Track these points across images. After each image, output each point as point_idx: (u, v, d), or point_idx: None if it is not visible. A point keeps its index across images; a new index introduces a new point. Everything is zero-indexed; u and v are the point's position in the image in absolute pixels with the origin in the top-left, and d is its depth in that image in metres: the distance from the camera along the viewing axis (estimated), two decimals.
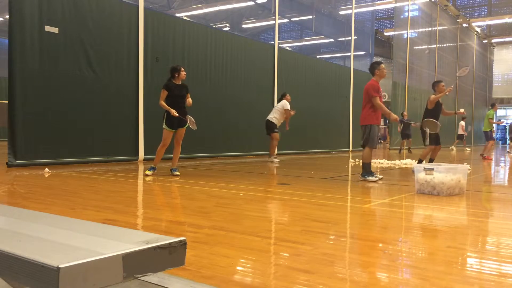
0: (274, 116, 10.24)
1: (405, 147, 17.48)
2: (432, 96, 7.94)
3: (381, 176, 6.71)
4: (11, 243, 1.33)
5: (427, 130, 7.86)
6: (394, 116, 6.61)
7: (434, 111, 7.98)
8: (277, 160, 10.35)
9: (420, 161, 7.78)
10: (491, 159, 12.98)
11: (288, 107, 10.23)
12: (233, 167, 8.78)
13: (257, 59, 12.71)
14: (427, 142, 7.86)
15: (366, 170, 6.52)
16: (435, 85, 8.05)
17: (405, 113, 18.03)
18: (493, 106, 13.84)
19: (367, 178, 6.44)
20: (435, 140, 7.88)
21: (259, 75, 12.73)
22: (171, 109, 6.40)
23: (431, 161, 8.00)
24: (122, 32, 9.10)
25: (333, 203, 4.45)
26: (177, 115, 6.40)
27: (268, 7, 17.89)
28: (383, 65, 6.63)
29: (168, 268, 1.38)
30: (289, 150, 13.70)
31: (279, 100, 10.57)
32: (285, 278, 2.08)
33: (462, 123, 21.47)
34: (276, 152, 10.69)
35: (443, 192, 4.95)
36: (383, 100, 6.60)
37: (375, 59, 20.16)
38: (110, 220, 3.32)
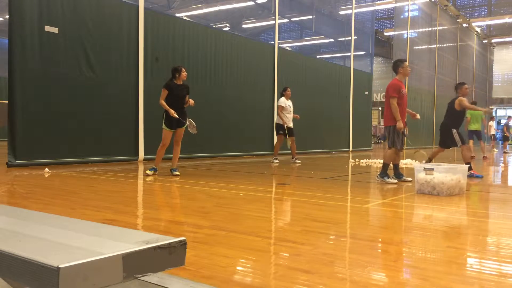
0: (277, 117, 9.99)
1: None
2: (464, 99, 7.50)
3: (410, 179, 6.29)
4: (11, 243, 1.33)
5: (454, 132, 7.45)
6: (401, 125, 6.16)
7: (461, 113, 7.62)
8: (277, 161, 10.11)
9: (429, 161, 7.74)
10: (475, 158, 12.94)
11: (282, 103, 9.80)
12: (233, 167, 8.78)
13: (257, 59, 12.70)
14: (459, 143, 7.47)
15: (385, 170, 6.26)
16: (459, 87, 7.73)
17: None
18: (475, 104, 13.62)
19: (386, 179, 6.17)
20: (461, 140, 7.56)
21: (259, 75, 12.73)
22: (170, 109, 6.41)
23: (468, 162, 7.62)
24: (122, 32, 9.10)
25: (333, 203, 4.45)
26: (177, 116, 6.41)
27: (268, 7, 17.88)
28: (406, 63, 6.39)
29: (168, 268, 1.38)
30: (289, 150, 13.68)
31: (280, 96, 10.17)
32: (285, 278, 2.08)
33: (491, 123, 21.12)
34: (295, 152, 10.28)
35: (443, 192, 4.95)
36: (406, 98, 6.31)
37: (375, 59, 20.17)
38: (110, 220, 3.32)
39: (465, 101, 7.55)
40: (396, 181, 6.22)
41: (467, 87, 7.70)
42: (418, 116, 6.95)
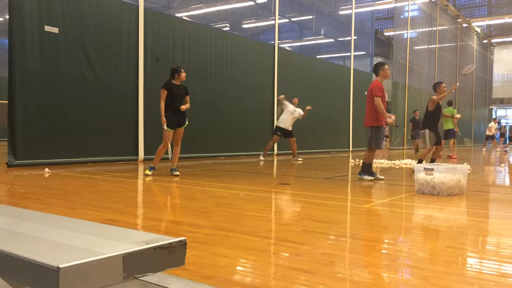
0: (282, 120, 10.73)
1: (415, 147, 17.37)
2: (434, 97, 7.93)
3: (382, 177, 6.72)
4: (11, 243, 1.33)
5: (427, 132, 7.99)
6: (390, 120, 6.38)
7: (435, 112, 8.01)
8: (262, 159, 10.76)
9: (420, 161, 7.78)
10: (456, 158, 13.02)
11: (291, 109, 10.68)
12: (233, 167, 8.78)
13: (257, 59, 12.70)
14: (428, 142, 7.97)
15: (365, 169, 6.60)
16: (436, 86, 8.05)
17: (417, 111, 17.68)
18: (451, 104, 13.78)
19: (363, 177, 6.54)
20: (437, 139, 7.95)
21: (259, 75, 12.73)
22: (163, 116, 6.46)
23: (432, 161, 8.01)
24: (122, 32, 9.09)
25: (333, 203, 4.45)
26: (165, 128, 6.48)
27: (268, 7, 17.88)
28: (386, 66, 6.67)
29: (168, 268, 1.38)
30: (289, 150, 13.68)
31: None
32: (285, 278, 2.08)
33: (492, 124, 21.16)
34: (296, 151, 11.00)
35: (443, 192, 4.95)
36: (385, 100, 6.60)
37: (375, 59, 20.21)
38: (110, 220, 3.32)
39: (434, 97, 7.91)
40: (372, 178, 6.53)
41: (444, 86, 7.96)
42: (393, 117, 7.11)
